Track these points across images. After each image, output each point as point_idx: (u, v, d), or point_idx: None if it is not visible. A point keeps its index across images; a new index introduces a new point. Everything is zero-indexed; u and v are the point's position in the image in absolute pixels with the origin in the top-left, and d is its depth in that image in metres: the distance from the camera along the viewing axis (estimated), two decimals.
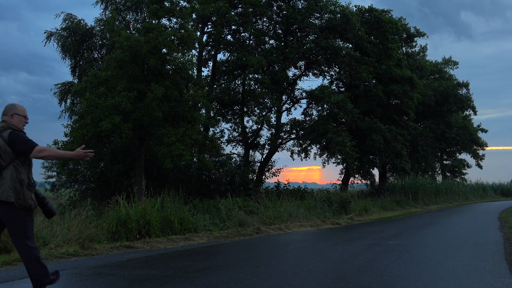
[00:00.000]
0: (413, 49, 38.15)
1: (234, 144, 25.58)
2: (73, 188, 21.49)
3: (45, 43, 22.88)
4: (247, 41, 24.37)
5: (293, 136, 26.16)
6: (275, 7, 24.82)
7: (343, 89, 28.25)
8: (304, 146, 26.80)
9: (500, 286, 5.66)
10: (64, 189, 21.31)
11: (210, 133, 21.73)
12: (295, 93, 26.50)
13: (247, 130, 25.28)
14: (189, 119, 17.22)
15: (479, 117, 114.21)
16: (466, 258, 8.07)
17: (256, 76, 23.36)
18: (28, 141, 5.00)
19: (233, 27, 23.42)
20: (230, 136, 25.46)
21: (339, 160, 27.61)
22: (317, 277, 6.29)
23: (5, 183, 4.89)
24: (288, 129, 25.86)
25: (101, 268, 7.12)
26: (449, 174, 44.67)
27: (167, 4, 17.90)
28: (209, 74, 24.60)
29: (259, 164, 25.53)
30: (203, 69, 24.18)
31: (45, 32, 22.98)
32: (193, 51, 19.21)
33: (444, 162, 44.98)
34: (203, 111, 19.26)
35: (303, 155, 27.14)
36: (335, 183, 28.59)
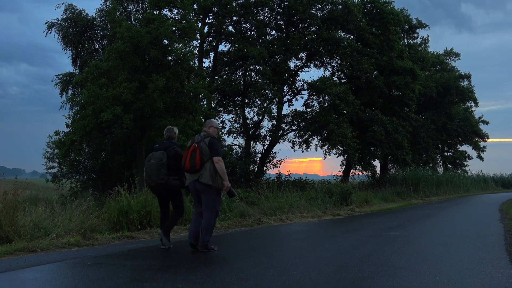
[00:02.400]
0: (415, 41, 38.03)
1: (235, 135, 25.64)
2: (75, 179, 21.56)
3: (46, 33, 22.86)
4: (249, 32, 24.30)
5: (294, 127, 26.16)
6: None
7: (345, 80, 28.20)
8: (305, 137, 26.81)
9: (501, 277, 5.67)
10: (65, 179, 21.38)
11: None
12: (297, 85, 26.48)
13: (248, 121, 25.29)
14: (190, 110, 17.23)
15: (481, 109, 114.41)
16: (466, 249, 8.08)
17: (257, 67, 23.32)
18: (217, 149, 7.59)
19: (234, 18, 23.36)
20: (231, 127, 25.50)
21: (340, 152, 27.68)
22: (318, 268, 6.31)
23: (206, 171, 7.44)
24: (289, 120, 25.86)
25: (102, 258, 7.14)
26: (450, 166, 44.67)
27: None
28: (210, 65, 24.58)
29: (260, 155, 25.56)
30: (204, 60, 24.18)
31: (46, 23, 22.95)
32: (194, 42, 19.22)
33: (445, 153, 44.99)
34: (204, 102, 19.25)
35: (304, 146, 27.16)
36: (336, 175, 28.63)
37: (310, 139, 27.04)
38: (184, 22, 17.64)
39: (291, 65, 25.59)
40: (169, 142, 8.18)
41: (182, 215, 8.59)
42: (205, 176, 7.41)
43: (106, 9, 21.51)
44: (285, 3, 24.40)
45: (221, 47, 24.94)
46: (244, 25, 24.41)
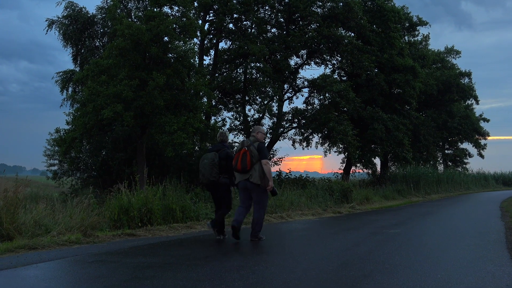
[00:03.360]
0: (415, 38, 37.98)
1: (236, 132, 25.57)
2: (75, 176, 21.53)
3: (47, 31, 22.83)
4: (249, 30, 24.26)
5: (294, 125, 26.11)
6: None
7: (345, 78, 28.15)
8: (305, 135, 26.77)
9: (502, 275, 5.67)
10: (66, 177, 21.36)
11: (212, 121, 21.72)
12: (297, 82, 26.40)
13: (249, 119, 25.24)
14: (191, 108, 17.20)
15: (481, 107, 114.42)
16: (467, 247, 8.08)
17: (258, 65, 23.28)
18: (265, 152, 8.72)
19: (234, 15, 23.30)
20: (232, 124, 25.43)
21: (340, 149, 27.66)
22: (319, 265, 6.31)
23: (255, 172, 8.51)
24: (290, 118, 25.82)
25: (103, 256, 7.15)
26: (450, 164, 44.65)
27: None
28: (211, 62, 24.54)
29: None
30: (204, 57, 24.12)
31: (46, 20, 22.92)
32: (195, 39, 19.18)
33: (446, 151, 44.97)
34: (205, 99, 19.24)
35: (304, 144, 27.11)
36: (337, 172, 28.57)
37: (310, 137, 27.00)
38: (184, 19, 17.59)
39: (292, 62, 25.57)
40: (221, 144, 9.41)
41: (228, 211, 9.43)
42: (255, 176, 8.51)
43: (106, 7, 21.51)
44: (286, 1, 24.35)
45: (222, 45, 24.93)
46: (244, 22, 24.37)
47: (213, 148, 9.45)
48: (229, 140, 24.17)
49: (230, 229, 8.74)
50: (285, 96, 26.00)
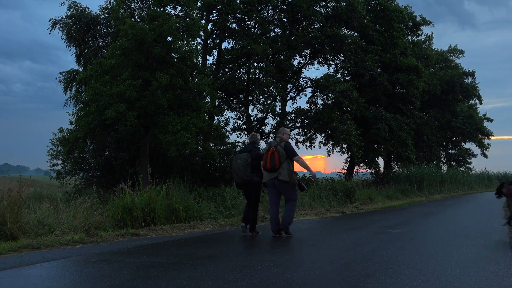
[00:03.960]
0: (419, 38, 37.90)
1: (239, 132, 25.58)
2: (79, 176, 21.54)
3: (50, 31, 22.85)
4: (252, 30, 24.26)
5: (298, 124, 26.12)
6: None
7: (348, 77, 28.12)
8: (309, 135, 26.75)
9: (505, 275, 5.66)
10: (69, 177, 21.36)
11: (215, 121, 21.71)
12: (300, 82, 26.40)
13: (252, 118, 25.26)
14: (194, 108, 17.20)
15: (484, 107, 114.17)
16: (470, 247, 8.07)
17: (261, 64, 23.27)
18: (293, 150, 9.48)
19: (238, 15, 23.30)
20: (235, 124, 25.45)
21: (344, 149, 27.60)
22: (322, 265, 6.31)
23: (284, 170, 9.19)
24: (293, 117, 25.83)
25: (106, 255, 7.16)
26: (454, 163, 44.59)
27: None
28: (214, 62, 24.53)
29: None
30: (208, 57, 24.12)
31: (50, 20, 22.94)
32: (198, 39, 19.15)
33: (449, 151, 44.89)
34: (208, 99, 19.23)
35: (308, 143, 27.09)
36: (340, 172, 28.59)
37: (313, 137, 26.98)
38: (187, 19, 17.57)
39: (295, 62, 25.55)
40: (252, 146, 10.15)
41: (258, 207, 10.25)
42: (283, 175, 9.18)
43: (109, 7, 21.50)
44: (289, 0, 24.33)
45: (225, 45, 24.95)
46: (247, 22, 24.36)
47: (245, 149, 10.16)
48: (232, 140, 24.27)
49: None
50: (288, 96, 26.00)
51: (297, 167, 9.81)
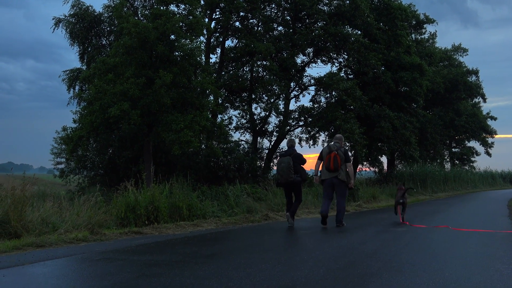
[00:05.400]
0: (423, 36, 37.82)
1: (242, 131, 25.60)
2: (82, 175, 21.59)
3: (54, 29, 22.91)
4: (255, 28, 24.26)
5: (301, 123, 26.10)
6: None
7: (352, 76, 28.07)
8: (312, 133, 26.74)
9: (510, 273, 5.63)
10: (73, 175, 21.41)
11: (218, 120, 21.72)
12: (304, 80, 26.38)
13: (255, 117, 25.26)
14: (197, 106, 17.22)
15: (488, 105, 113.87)
16: (474, 245, 8.04)
17: (264, 63, 23.28)
18: (349, 156, 11.00)
19: (241, 13, 23.30)
20: (238, 123, 25.47)
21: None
22: (326, 263, 6.29)
23: (342, 171, 10.69)
24: (296, 116, 25.81)
25: (110, 253, 7.16)
26: (457, 162, 44.46)
27: None
28: (217, 60, 24.55)
29: (267, 151, 25.53)
30: (211, 55, 24.15)
31: (53, 19, 22.99)
32: (201, 37, 19.15)
33: (453, 149, 44.78)
34: (211, 97, 19.24)
35: (311, 142, 27.09)
36: None
37: (317, 135, 26.97)
38: (191, 17, 17.58)
39: (298, 60, 25.55)
40: (291, 149, 11.45)
41: (301, 202, 11.64)
42: (342, 175, 10.71)
43: (113, 5, 21.52)
44: None
45: (228, 43, 24.93)
46: (251, 20, 24.36)
47: (286, 153, 11.45)
48: (235, 139, 24.27)
49: (320, 217, 11.04)
50: (292, 94, 26.00)
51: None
